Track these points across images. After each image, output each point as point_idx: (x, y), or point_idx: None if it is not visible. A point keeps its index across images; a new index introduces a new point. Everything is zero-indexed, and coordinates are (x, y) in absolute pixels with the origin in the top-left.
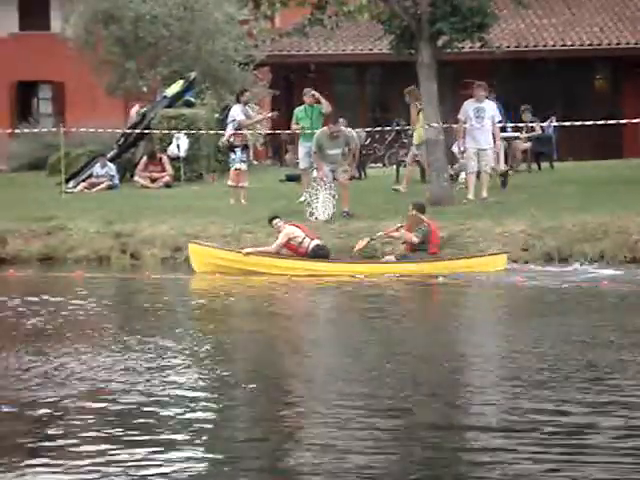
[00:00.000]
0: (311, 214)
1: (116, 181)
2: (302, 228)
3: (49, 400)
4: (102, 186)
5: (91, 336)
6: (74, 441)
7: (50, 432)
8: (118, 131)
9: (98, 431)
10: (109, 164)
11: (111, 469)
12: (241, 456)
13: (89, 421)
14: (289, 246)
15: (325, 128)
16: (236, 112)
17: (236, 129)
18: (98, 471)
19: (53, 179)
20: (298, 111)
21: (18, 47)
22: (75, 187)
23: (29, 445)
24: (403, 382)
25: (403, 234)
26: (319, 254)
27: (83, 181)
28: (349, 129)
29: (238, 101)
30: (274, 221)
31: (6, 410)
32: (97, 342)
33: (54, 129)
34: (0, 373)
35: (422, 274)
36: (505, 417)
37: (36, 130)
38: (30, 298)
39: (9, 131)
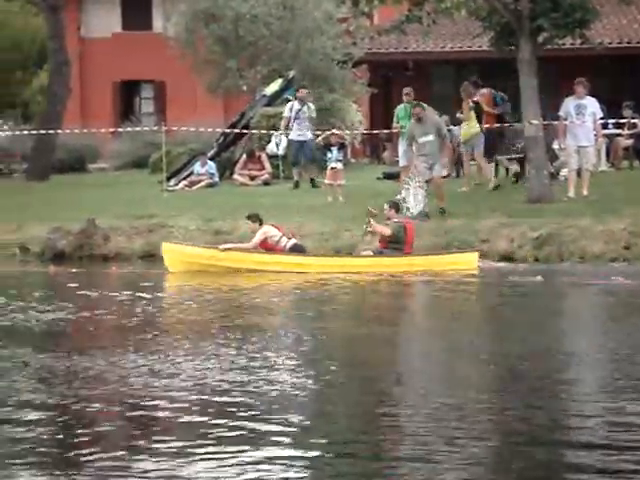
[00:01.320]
0: (407, 209)
1: (216, 179)
2: (279, 228)
3: (155, 397)
4: (202, 184)
5: (194, 332)
6: (178, 438)
7: (156, 429)
8: (218, 130)
9: (204, 429)
10: (209, 162)
11: (219, 466)
12: (343, 457)
13: (194, 419)
14: (266, 245)
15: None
16: (287, 108)
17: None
18: (203, 469)
19: (155, 177)
20: (398, 110)
21: (121, 47)
22: (176, 185)
23: (139, 442)
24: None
25: (374, 227)
26: (296, 251)
27: (184, 179)
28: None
29: (295, 98)
30: (247, 222)
31: (117, 409)
32: (200, 338)
33: (156, 128)
34: (106, 370)
35: (397, 272)
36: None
37: (138, 129)
38: (133, 294)
39: (112, 130)
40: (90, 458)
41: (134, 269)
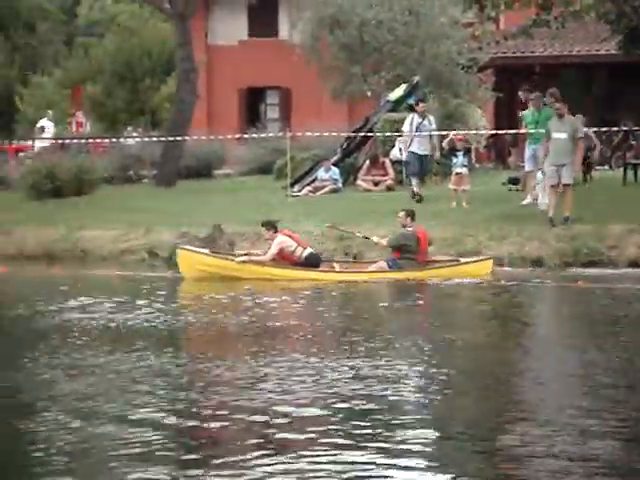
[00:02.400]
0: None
1: (339, 185)
2: (294, 237)
3: (280, 406)
4: (326, 190)
5: (316, 340)
6: (306, 446)
7: (280, 437)
8: (343, 134)
9: (331, 437)
10: (333, 168)
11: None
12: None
13: (320, 428)
14: (282, 255)
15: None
16: (405, 122)
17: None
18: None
19: (279, 183)
20: (525, 115)
21: (247, 54)
22: (300, 191)
23: (260, 451)
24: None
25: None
26: (311, 262)
27: (308, 185)
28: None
29: (413, 110)
30: (262, 229)
31: (237, 417)
32: (326, 346)
33: (281, 134)
34: (235, 379)
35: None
36: None
37: (263, 135)
38: (261, 299)
39: (238, 136)
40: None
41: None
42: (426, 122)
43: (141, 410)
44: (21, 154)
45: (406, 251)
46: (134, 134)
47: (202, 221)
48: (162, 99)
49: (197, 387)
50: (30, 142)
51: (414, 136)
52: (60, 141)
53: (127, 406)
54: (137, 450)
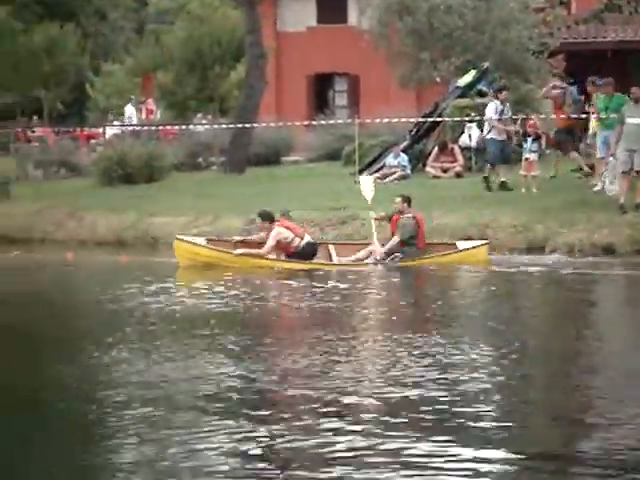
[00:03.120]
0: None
1: (408, 171)
2: (290, 227)
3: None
4: (394, 176)
5: (387, 328)
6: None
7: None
8: (412, 120)
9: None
10: (402, 154)
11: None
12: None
13: (395, 415)
14: (280, 247)
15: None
16: (489, 109)
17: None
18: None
19: (347, 169)
20: (597, 100)
21: (316, 40)
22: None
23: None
24: None
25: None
26: (309, 251)
27: (376, 171)
28: None
29: (497, 97)
30: (257, 219)
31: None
32: (396, 334)
33: (349, 120)
34: (306, 367)
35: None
36: None
37: (332, 122)
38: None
39: (306, 123)
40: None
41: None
42: (506, 109)
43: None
44: (92, 141)
45: (409, 238)
46: (203, 121)
47: (270, 207)
48: (231, 86)
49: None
50: (101, 129)
51: (495, 123)
52: (131, 128)
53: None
54: None
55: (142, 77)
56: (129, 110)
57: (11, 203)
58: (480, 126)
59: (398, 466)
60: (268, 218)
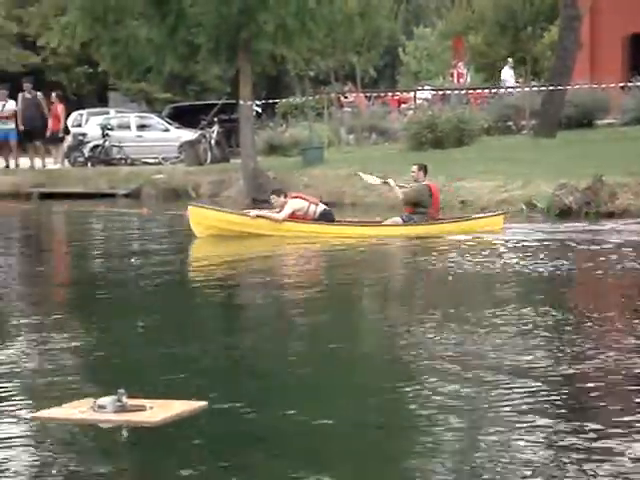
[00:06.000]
0: None
1: None
2: (304, 197)
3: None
4: None
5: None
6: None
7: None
8: None
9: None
10: None
11: None
12: None
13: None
14: (295, 217)
15: None
16: None
17: None
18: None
19: None
20: None
21: (633, 0)
22: None
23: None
24: None
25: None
26: (326, 218)
27: None
28: None
29: None
30: (272, 196)
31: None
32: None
33: None
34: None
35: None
36: None
37: None
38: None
39: (621, 85)
40: None
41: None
42: None
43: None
44: (403, 105)
45: (420, 205)
46: (515, 83)
47: (582, 172)
48: (544, 48)
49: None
50: (412, 94)
51: None
52: (441, 92)
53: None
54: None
55: (453, 40)
56: (506, 73)
57: (324, 167)
58: None
59: None
60: (281, 193)
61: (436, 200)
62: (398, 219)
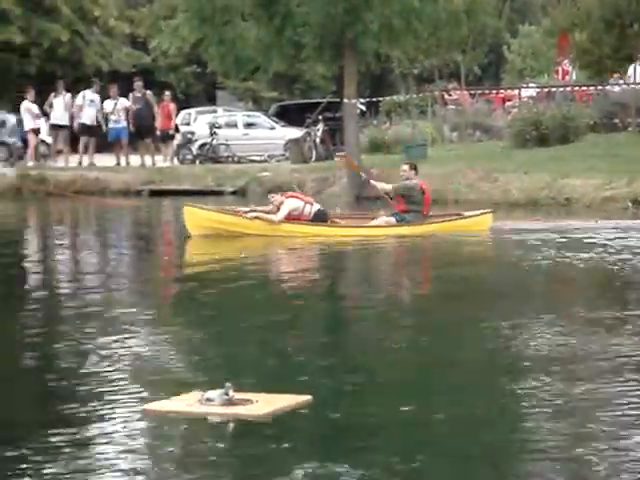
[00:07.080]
0: None
1: None
2: (300, 197)
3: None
4: None
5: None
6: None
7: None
8: None
9: None
10: None
11: None
12: None
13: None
14: (291, 217)
15: None
16: None
17: None
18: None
19: None
20: None
21: None
22: None
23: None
24: None
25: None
26: (320, 218)
27: None
28: None
29: None
30: (269, 195)
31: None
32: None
33: None
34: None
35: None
36: None
37: None
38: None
39: None
40: None
41: None
42: None
43: None
44: (508, 103)
45: (412, 203)
46: (620, 81)
47: None
48: None
49: None
50: (516, 91)
51: None
52: (546, 90)
53: None
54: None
55: (557, 37)
56: (634, 69)
57: (428, 165)
58: None
59: None
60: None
61: (428, 198)
62: (391, 218)
